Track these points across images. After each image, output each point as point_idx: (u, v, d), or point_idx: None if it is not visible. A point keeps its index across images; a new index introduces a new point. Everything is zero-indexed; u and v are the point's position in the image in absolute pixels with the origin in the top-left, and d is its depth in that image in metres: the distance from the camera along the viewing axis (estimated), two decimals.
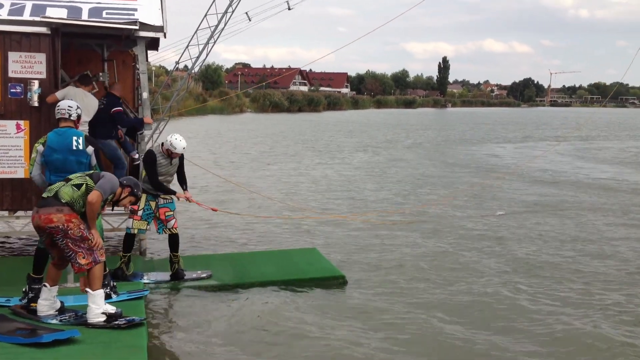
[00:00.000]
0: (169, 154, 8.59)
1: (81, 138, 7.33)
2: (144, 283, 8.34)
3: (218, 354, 6.61)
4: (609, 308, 8.20)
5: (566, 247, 11.42)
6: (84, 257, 6.23)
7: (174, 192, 8.69)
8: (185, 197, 8.79)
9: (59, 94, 8.91)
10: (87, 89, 9.58)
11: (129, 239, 8.65)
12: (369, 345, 6.84)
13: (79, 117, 7.51)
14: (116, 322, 6.30)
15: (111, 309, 6.42)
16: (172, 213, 8.68)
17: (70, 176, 6.51)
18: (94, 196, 6.31)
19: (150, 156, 8.57)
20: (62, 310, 6.56)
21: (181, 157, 8.75)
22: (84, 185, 6.34)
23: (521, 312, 7.97)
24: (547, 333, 7.29)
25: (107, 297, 7.00)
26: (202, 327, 7.28)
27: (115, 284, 7.49)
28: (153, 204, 8.58)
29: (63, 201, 6.22)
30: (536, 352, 6.77)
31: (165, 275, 8.73)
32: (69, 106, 7.43)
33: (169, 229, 8.63)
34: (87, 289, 6.34)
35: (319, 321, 7.51)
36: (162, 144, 8.66)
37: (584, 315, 7.90)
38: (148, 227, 8.70)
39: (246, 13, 12.68)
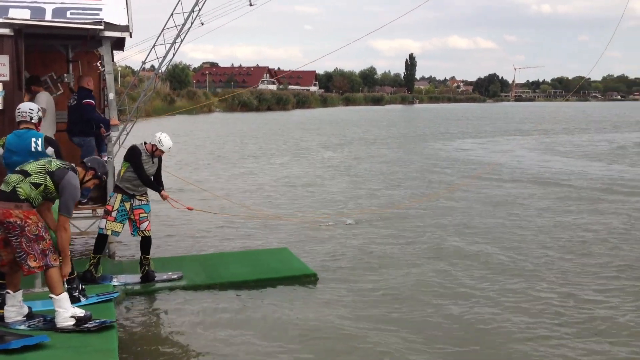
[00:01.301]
0: (153, 151, 8.50)
1: (40, 139, 7.23)
2: (114, 286, 8.26)
3: (189, 355, 6.59)
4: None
5: (536, 243, 11.61)
6: (35, 260, 6.06)
7: (159, 190, 8.60)
8: (165, 197, 8.68)
9: (41, 101, 8.89)
10: (41, 90, 9.48)
11: (101, 240, 8.52)
12: (339, 345, 6.87)
13: (39, 120, 7.39)
14: (86, 326, 6.21)
15: (80, 312, 6.33)
16: (146, 215, 8.58)
17: (29, 169, 6.19)
18: (62, 222, 6.18)
19: (135, 152, 8.44)
20: (30, 316, 6.45)
21: (160, 157, 8.68)
22: (43, 186, 6.13)
23: (496, 319, 8.03)
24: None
25: (76, 300, 6.92)
26: (173, 329, 7.24)
27: (84, 287, 7.39)
28: (127, 205, 8.46)
29: (21, 197, 6.07)
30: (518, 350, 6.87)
31: (135, 278, 8.65)
32: (30, 109, 7.31)
33: (142, 231, 8.53)
34: (51, 295, 6.22)
35: (292, 320, 7.52)
36: (145, 142, 8.54)
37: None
38: (122, 229, 8.57)
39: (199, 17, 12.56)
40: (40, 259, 6.08)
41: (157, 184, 8.67)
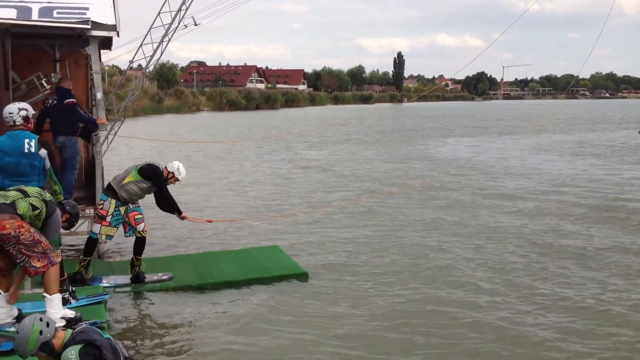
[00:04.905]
0: (167, 177, 8.53)
1: (33, 141, 7.16)
2: (104, 287, 8.21)
3: (180, 355, 6.55)
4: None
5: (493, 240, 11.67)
6: (38, 260, 6.08)
7: (180, 212, 8.64)
8: (185, 217, 8.76)
9: None
10: None
11: (92, 243, 8.48)
12: (331, 343, 6.86)
13: (25, 118, 7.28)
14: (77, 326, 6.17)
15: (70, 313, 6.31)
16: (141, 216, 8.55)
17: (28, 190, 6.29)
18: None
19: (160, 173, 8.45)
20: (20, 318, 6.40)
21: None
22: (39, 212, 6.22)
23: (479, 310, 8.08)
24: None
25: (66, 302, 6.88)
26: (164, 330, 7.20)
27: (74, 288, 7.34)
28: (122, 209, 8.42)
29: (18, 212, 6.09)
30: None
31: (125, 279, 8.60)
32: (9, 113, 7.21)
33: (139, 232, 8.49)
34: (44, 294, 6.21)
35: (283, 319, 7.51)
36: (166, 166, 8.58)
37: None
38: (115, 232, 8.52)
39: (192, 17, 12.54)
40: (44, 258, 6.10)
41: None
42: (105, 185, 8.85)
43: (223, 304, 8.00)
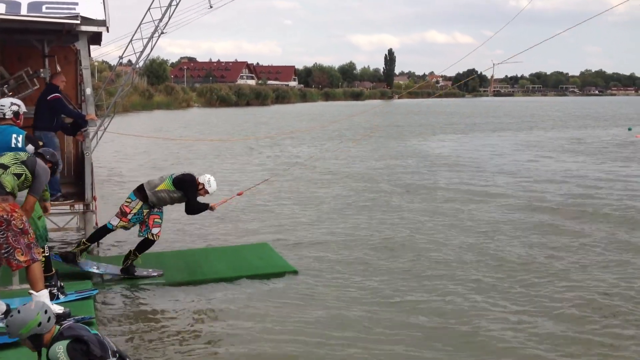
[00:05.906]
0: (199, 187, 8.55)
1: (21, 136, 7.17)
2: (93, 272, 8.34)
3: (168, 352, 6.56)
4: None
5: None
6: (22, 254, 6.05)
7: (207, 206, 8.70)
8: (215, 207, 8.88)
9: None
10: None
11: (103, 232, 8.62)
12: (322, 341, 6.87)
13: (15, 113, 7.28)
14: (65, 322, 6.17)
15: (59, 309, 6.29)
16: (160, 221, 8.63)
17: (5, 161, 6.22)
18: (30, 203, 6.31)
19: (194, 185, 8.50)
20: (7, 313, 6.38)
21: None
22: (24, 176, 6.20)
23: (475, 306, 8.12)
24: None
25: (55, 297, 6.88)
26: (153, 326, 7.21)
27: (62, 284, 7.34)
28: (146, 211, 8.50)
29: (7, 190, 6.04)
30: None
31: (116, 269, 8.68)
32: (1, 105, 7.22)
33: (151, 234, 8.55)
34: (31, 291, 6.18)
35: (272, 317, 7.51)
36: (198, 177, 8.62)
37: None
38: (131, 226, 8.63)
39: None
40: (27, 252, 6.06)
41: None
42: (95, 182, 8.83)
43: (213, 302, 8.00)
